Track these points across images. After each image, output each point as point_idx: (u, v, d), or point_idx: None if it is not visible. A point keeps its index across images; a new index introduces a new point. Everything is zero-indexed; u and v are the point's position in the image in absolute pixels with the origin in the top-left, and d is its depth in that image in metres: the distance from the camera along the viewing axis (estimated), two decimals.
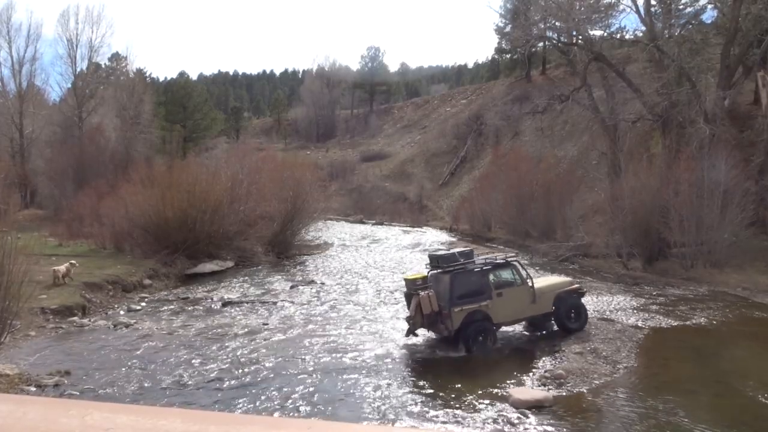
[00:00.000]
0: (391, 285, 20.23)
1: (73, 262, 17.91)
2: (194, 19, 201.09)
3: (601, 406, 9.49)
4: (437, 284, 12.61)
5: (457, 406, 9.37)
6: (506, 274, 13.23)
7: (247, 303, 17.38)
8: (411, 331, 12.85)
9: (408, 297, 13.03)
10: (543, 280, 14.19)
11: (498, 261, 13.45)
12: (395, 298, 17.87)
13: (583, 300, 14.08)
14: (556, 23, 33.10)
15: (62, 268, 17.13)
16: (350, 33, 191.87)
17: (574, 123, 42.09)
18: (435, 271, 12.96)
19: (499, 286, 12.87)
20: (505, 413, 9.07)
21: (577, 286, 14.19)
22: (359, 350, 12.45)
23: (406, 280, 13.43)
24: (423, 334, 13.57)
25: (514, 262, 13.59)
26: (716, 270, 20.17)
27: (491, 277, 12.93)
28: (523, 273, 13.36)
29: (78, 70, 46.77)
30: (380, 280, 21.35)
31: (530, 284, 13.13)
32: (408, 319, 12.78)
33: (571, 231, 27.68)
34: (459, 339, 12.31)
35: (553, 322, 13.65)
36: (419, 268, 24.08)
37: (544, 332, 13.69)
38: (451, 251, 13.75)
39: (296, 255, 27.44)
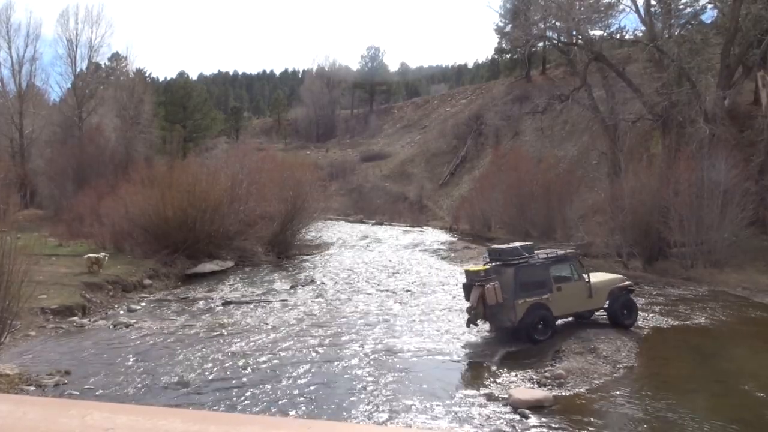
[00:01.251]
0: (392, 285, 20.24)
1: (104, 254, 19.43)
2: (194, 19, 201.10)
3: (601, 406, 9.49)
4: (500, 276, 12.89)
5: (457, 405, 9.37)
6: (565, 269, 13.62)
7: (247, 303, 17.38)
8: (471, 322, 13.16)
9: (467, 288, 13.31)
10: (597, 276, 14.39)
11: (559, 255, 13.78)
12: (395, 298, 17.88)
13: None
14: (556, 23, 33.11)
15: (100, 256, 18.97)
16: (350, 33, 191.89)
17: (574, 123, 42.10)
18: (497, 264, 13.26)
19: (558, 281, 13.27)
20: (505, 413, 9.07)
21: (628, 282, 14.53)
22: (359, 350, 12.45)
23: (467, 271, 13.86)
24: (422, 335, 13.57)
25: (573, 258, 14.00)
26: (716, 270, 20.18)
27: (552, 271, 13.31)
28: (581, 268, 13.78)
29: (78, 70, 46.83)
30: (380, 280, 21.35)
31: (587, 279, 13.49)
32: (469, 310, 13.06)
33: (571, 231, 27.69)
34: (521, 330, 12.74)
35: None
36: (419, 268, 24.17)
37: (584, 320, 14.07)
38: (513, 245, 14.11)
39: (296, 255, 27.44)
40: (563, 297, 13.12)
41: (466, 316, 13.18)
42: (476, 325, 13.31)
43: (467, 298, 13.31)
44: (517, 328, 12.75)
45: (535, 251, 13.87)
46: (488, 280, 12.73)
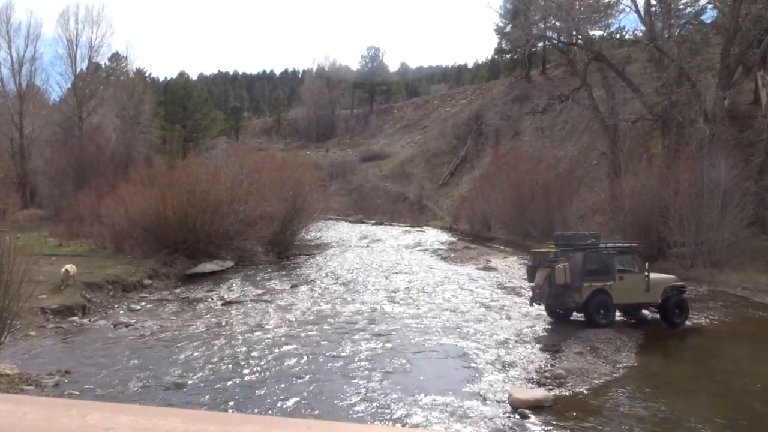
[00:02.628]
0: (391, 285, 20.24)
1: (71, 266, 17.20)
2: (194, 19, 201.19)
3: (601, 406, 9.48)
4: (568, 260, 13.64)
5: (457, 405, 9.36)
6: (628, 261, 14.34)
7: (247, 303, 17.38)
8: (534, 300, 14.27)
9: (532, 269, 14.36)
10: (654, 274, 14.76)
11: (624, 247, 14.63)
12: (395, 298, 17.88)
13: None
14: (556, 23, 33.11)
15: (68, 267, 16.82)
16: (350, 33, 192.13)
17: (574, 123, 42.12)
18: (565, 248, 14.05)
19: (621, 270, 14.00)
20: (504, 413, 9.07)
21: (681, 283, 14.96)
22: (359, 350, 12.44)
23: (533, 252, 14.82)
24: (421, 335, 13.57)
25: (636, 251, 14.65)
26: (716, 270, 20.18)
27: (616, 260, 14.07)
28: (642, 262, 14.34)
29: (78, 70, 46.80)
30: (380, 280, 21.34)
31: (646, 274, 14.03)
32: (534, 288, 14.03)
33: (571, 231, 27.68)
34: (584, 312, 13.70)
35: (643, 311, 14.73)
36: (419, 268, 24.16)
37: (633, 320, 14.67)
38: (581, 232, 15.12)
39: (296, 255, 27.44)
40: (624, 286, 13.81)
41: (529, 296, 14.34)
42: (538, 304, 14.38)
43: (530, 279, 14.35)
44: (579, 309, 13.71)
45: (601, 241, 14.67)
46: (558, 262, 13.49)
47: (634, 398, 9.80)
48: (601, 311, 13.57)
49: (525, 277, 16.36)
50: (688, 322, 14.59)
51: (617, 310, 14.30)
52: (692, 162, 21.35)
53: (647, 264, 14.54)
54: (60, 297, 15.82)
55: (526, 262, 15.00)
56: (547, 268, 13.60)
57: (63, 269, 16.69)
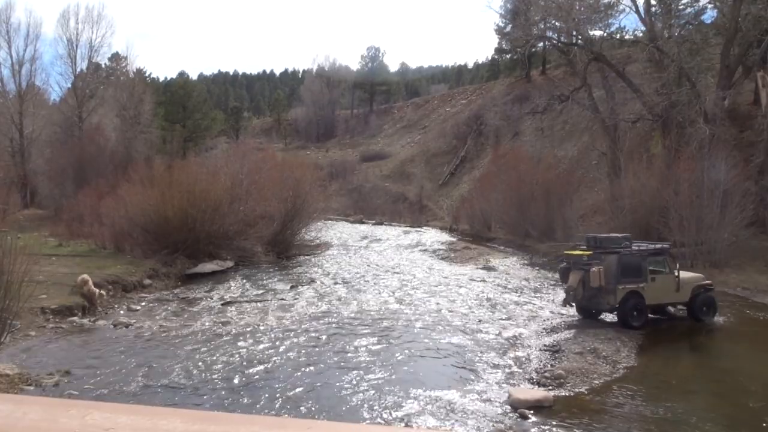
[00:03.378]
0: (391, 284, 20.24)
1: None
2: (194, 19, 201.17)
3: (601, 406, 9.48)
4: (602, 262, 13.91)
5: (457, 405, 9.36)
6: (660, 262, 14.67)
7: (247, 303, 17.37)
8: (567, 302, 14.63)
9: (565, 271, 14.61)
10: (683, 273, 14.95)
11: (656, 249, 14.94)
12: (395, 298, 17.88)
13: None
14: (556, 23, 33.13)
15: (86, 278, 15.82)
16: (350, 33, 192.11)
17: (574, 123, 42.12)
18: (598, 251, 14.31)
19: (653, 272, 14.34)
20: (505, 413, 9.07)
21: (708, 282, 15.23)
22: (359, 349, 12.44)
23: (567, 255, 15.06)
24: (421, 335, 13.57)
25: (667, 252, 15.02)
26: (716, 270, 20.16)
27: (648, 262, 14.41)
28: (672, 263, 14.68)
29: (78, 70, 46.78)
30: (380, 280, 21.34)
31: (677, 274, 14.37)
32: (568, 290, 14.34)
33: (571, 231, 27.65)
34: (618, 314, 14.06)
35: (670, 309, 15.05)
36: (419, 268, 24.16)
37: (664, 318, 15.01)
38: (612, 234, 15.32)
39: (296, 255, 27.44)
40: (655, 287, 14.16)
41: (563, 296, 14.72)
42: (571, 305, 14.76)
43: (563, 281, 14.66)
44: (613, 311, 14.09)
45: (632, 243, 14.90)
46: (592, 265, 13.77)
47: (634, 398, 9.80)
48: (635, 313, 13.90)
49: (558, 278, 16.66)
50: (688, 322, 14.61)
51: (658, 307, 14.70)
52: (692, 162, 21.35)
53: (675, 262, 14.90)
54: (60, 297, 15.81)
55: (560, 263, 15.28)
56: (581, 271, 13.90)
57: (80, 278, 15.82)
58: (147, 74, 61.38)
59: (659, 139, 28.49)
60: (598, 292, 13.84)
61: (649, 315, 14.63)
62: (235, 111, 78.58)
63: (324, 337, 13.53)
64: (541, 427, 8.58)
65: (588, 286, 13.73)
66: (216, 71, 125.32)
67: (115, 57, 54.27)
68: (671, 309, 15.21)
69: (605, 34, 31.57)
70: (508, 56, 62.34)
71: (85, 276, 16.02)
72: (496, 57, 69.31)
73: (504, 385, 10.22)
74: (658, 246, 15.21)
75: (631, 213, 22.37)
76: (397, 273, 23.02)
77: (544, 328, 14.23)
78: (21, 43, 43.42)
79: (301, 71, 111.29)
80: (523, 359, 11.77)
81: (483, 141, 53.23)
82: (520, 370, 11.07)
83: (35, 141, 43.94)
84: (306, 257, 27.34)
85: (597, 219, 27.90)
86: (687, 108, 25.27)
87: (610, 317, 14.71)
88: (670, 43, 27.18)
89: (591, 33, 30.41)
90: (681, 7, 30.85)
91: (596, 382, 10.47)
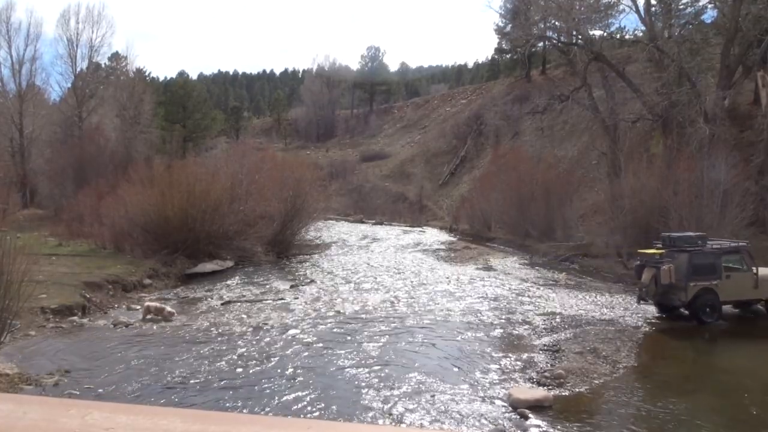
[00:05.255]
0: (391, 284, 20.23)
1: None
2: (194, 19, 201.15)
3: (601, 406, 9.49)
4: (674, 260, 14.35)
5: (457, 405, 9.36)
6: (736, 259, 14.91)
7: (247, 303, 17.37)
8: (641, 298, 15.22)
9: (640, 268, 15.14)
10: (763, 270, 15.08)
11: (731, 247, 15.15)
12: (395, 298, 17.87)
13: (587, 299, 15.32)
14: (556, 23, 33.12)
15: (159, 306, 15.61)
16: (350, 33, 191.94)
17: (574, 123, 42.11)
18: (671, 249, 14.78)
19: (728, 269, 14.60)
20: (504, 413, 9.07)
21: None
22: (359, 349, 12.44)
23: (641, 253, 15.56)
24: (421, 334, 13.57)
25: (744, 250, 15.09)
26: None
27: (723, 260, 14.65)
28: (750, 260, 14.84)
29: (78, 69, 46.81)
30: (380, 280, 21.34)
31: (755, 271, 14.58)
32: (641, 287, 14.95)
33: (571, 231, 27.69)
34: (689, 310, 14.43)
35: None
36: (419, 268, 24.15)
37: (750, 315, 15.22)
38: (687, 233, 15.63)
39: (296, 255, 27.44)
40: (731, 284, 14.41)
41: (637, 293, 15.29)
42: (645, 301, 15.28)
43: (638, 277, 15.13)
44: (686, 308, 14.44)
45: (708, 241, 15.19)
46: (663, 263, 14.22)
47: (634, 398, 9.80)
48: (707, 309, 14.22)
49: (633, 275, 16.90)
50: (688, 322, 14.61)
51: (732, 306, 15.01)
52: (692, 162, 21.33)
53: (753, 260, 15.02)
54: (60, 297, 15.82)
55: (636, 261, 15.83)
56: (653, 268, 14.38)
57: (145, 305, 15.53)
58: (147, 74, 61.46)
59: (659, 139, 28.48)
60: (669, 289, 14.30)
61: (734, 310, 14.97)
62: (235, 111, 78.56)
63: (324, 336, 13.53)
64: (541, 426, 8.58)
65: (659, 282, 14.21)
66: (216, 71, 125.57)
67: (115, 57, 54.30)
68: (760, 307, 15.23)
69: (605, 34, 31.59)
70: (508, 56, 62.32)
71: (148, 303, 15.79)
72: (496, 57, 69.32)
73: (504, 385, 10.22)
74: (734, 244, 15.38)
75: (631, 213, 22.35)
76: (397, 273, 23.02)
77: (544, 328, 14.23)
78: (21, 42, 43.52)
79: (301, 71, 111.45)
80: (523, 359, 11.76)
81: (483, 141, 53.23)
82: (520, 370, 11.06)
83: (35, 141, 43.95)
84: (306, 257, 27.34)
85: (597, 219, 27.88)
86: (687, 108, 25.25)
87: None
88: (670, 43, 27.18)
89: (591, 33, 30.42)
90: (681, 6, 30.83)
91: (596, 381, 10.47)
